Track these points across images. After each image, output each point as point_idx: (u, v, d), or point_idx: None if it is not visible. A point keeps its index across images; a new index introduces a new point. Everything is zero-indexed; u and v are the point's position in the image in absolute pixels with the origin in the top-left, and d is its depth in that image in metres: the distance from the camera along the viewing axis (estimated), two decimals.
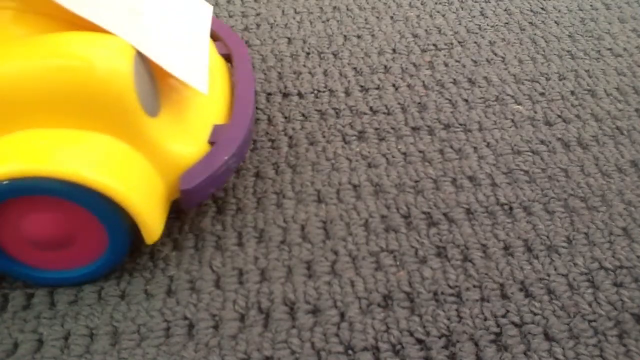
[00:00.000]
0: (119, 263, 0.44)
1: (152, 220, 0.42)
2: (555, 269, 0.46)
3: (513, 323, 0.42)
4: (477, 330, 0.42)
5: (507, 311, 0.43)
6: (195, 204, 0.45)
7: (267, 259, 0.46)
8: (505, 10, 0.74)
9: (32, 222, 0.41)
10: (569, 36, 0.69)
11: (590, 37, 0.69)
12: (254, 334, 0.42)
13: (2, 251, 0.42)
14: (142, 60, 0.42)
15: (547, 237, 0.48)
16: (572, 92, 0.62)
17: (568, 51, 0.67)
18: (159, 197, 0.43)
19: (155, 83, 0.44)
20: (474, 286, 0.44)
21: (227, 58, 0.54)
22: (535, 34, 0.70)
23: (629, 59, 0.66)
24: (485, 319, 0.42)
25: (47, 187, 0.39)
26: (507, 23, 0.71)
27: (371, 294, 0.44)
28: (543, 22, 0.72)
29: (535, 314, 0.43)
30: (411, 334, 0.42)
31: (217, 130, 0.46)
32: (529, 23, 0.71)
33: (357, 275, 0.45)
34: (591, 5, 0.75)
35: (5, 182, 0.39)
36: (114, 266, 0.44)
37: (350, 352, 0.41)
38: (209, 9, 0.51)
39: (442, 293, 0.44)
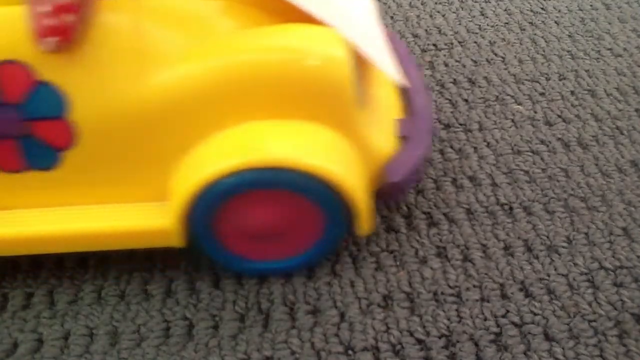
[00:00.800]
0: (327, 255, 0.45)
1: (368, 211, 0.42)
2: (555, 269, 0.45)
3: (513, 323, 0.42)
4: (477, 330, 0.42)
5: (507, 311, 0.43)
6: (399, 197, 0.44)
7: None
8: (505, 10, 0.74)
9: (256, 215, 0.41)
10: (569, 36, 0.69)
11: (590, 37, 0.69)
12: (253, 334, 0.42)
13: (220, 244, 0.43)
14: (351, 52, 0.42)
15: (547, 237, 0.48)
16: (572, 92, 0.62)
17: (568, 51, 0.67)
18: (369, 188, 0.43)
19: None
20: (474, 286, 0.44)
21: None
22: (535, 34, 0.70)
23: (629, 59, 0.66)
24: (485, 319, 0.42)
25: (275, 179, 0.40)
26: (507, 23, 0.71)
27: (371, 294, 0.44)
28: (543, 22, 0.72)
29: (535, 314, 0.43)
30: (411, 334, 0.42)
31: (402, 124, 0.45)
32: (529, 23, 0.71)
33: (357, 276, 0.45)
34: (591, 5, 0.75)
35: (233, 177, 0.39)
36: (322, 257, 0.45)
37: (350, 352, 0.41)
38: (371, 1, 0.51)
39: (442, 293, 0.44)
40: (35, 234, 0.42)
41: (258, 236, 0.43)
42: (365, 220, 0.42)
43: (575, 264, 0.46)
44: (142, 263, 0.46)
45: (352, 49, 0.41)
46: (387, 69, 0.44)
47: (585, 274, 0.45)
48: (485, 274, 0.45)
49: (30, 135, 0.40)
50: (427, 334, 0.42)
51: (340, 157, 0.41)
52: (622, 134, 0.57)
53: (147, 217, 0.42)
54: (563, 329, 0.42)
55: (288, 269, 0.45)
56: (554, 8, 0.74)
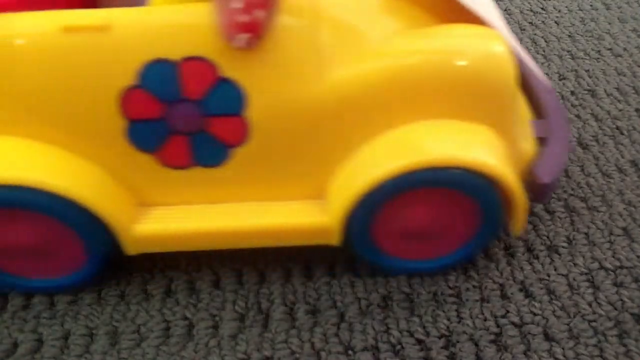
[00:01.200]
0: (476, 255, 0.45)
1: (525, 210, 0.42)
2: (555, 269, 0.45)
3: (513, 323, 0.42)
4: (477, 331, 0.42)
5: (507, 311, 0.43)
6: (545, 199, 0.44)
7: (266, 260, 0.46)
8: (505, 10, 0.74)
9: (413, 214, 0.42)
10: (569, 36, 0.69)
11: (590, 37, 0.69)
12: (253, 334, 0.42)
13: (374, 243, 0.43)
14: None
15: (547, 237, 0.48)
16: (572, 92, 0.62)
17: (568, 51, 0.67)
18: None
19: None
20: (474, 286, 0.44)
21: None
22: (535, 34, 0.70)
23: (629, 59, 0.66)
24: (485, 319, 0.42)
25: (441, 178, 0.40)
26: (507, 23, 0.71)
27: (371, 295, 0.44)
28: (543, 22, 0.72)
29: (535, 314, 0.43)
30: (411, 334, 0.42)
31: (538, 125, 0.45)
32: (529, 23, 0.71)
33: (356, 276, 0.45)
34: (591, 5, 0.75)
35: (400, 178, 0.39)
36: (472, 257, 0.45)
37: (350, 352, 0.41)
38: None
39: (442, 293, 0.44)
40: (198, 231, 0.42)
41: (412, 235, 0.43)
42: (521, 218, 0.42)
43: (575, 264, 0.46)
44: (142, 263, 0.46)
45: (511, 50, 0.41)
46: (537, 70, 0.45)
47: (585, 274, 0.45)
48: (485, 274, 0.45)
49: (204, 132, 0.40)
50: (427, 334, 0.42)
51: (502, 156, 0.41)
52: (622, 134, 0.57)
53: (308, 215, 0.42)
54: (563, 329, 0.42)
55: (438, 269, 0.45)
56: (554, 8, 0.74)
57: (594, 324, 0.42)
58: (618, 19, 0.72)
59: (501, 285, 0.45)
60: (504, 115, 0.41)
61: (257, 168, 0.41)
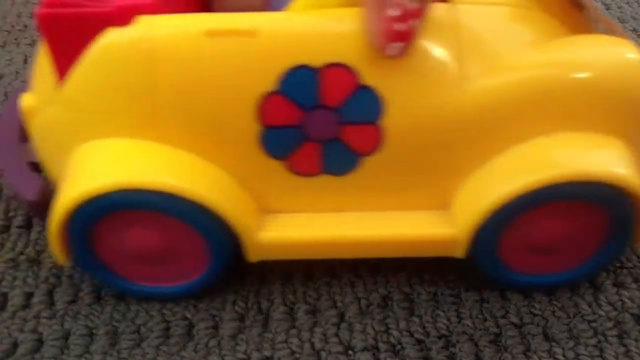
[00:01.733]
0: (598, 271, 0.44)
1: None
2: None
3: (513, 323, 0.42)
4: (477, 331, 0.42)
5: (507, 312, 0.43)
6: None
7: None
8: None
9: (541, 227, 0.41)
10: None
11: None
12: (253, 334, 0.42)
13: (499, 257, 0.42)
14: None
15: None
16: None
17: None
18: None
19: None
20: (474, 287, 0.44)
21: None
22: None
23: None
24: (485, 320, 0.42)
25: (574, 191, 0.39)
26: None
27: (371, 295, 0.44)
28: None
29: (535, 315, 0.43)
30: (411, 335, 0.42)
31: None
32: None
33: (356, 276, 0.45)
34: None
35: (534, 192, 0.38)
36: (599, 271, 0.44)
37: (350, 352, 0.41)
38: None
39: (442, 294, 0.44)
40: (324, 240, 0.41)
41: (538, 249, 0.42)
42: None
43: None
44: None
45: None
46: None
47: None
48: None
49: (337, 140, 0.39)
50: (427, 334, 0.42)
51: (635, 169, 0.39)
52: None
53: (435, 226, 0.41)
54: (563, 329, 0.42)
55: (561, 283, 0.44)
56: None
57: (594, 324, 0.42)
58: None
59: None
60: (637, 127, 0.40)
61: (385, 177, 0.41)
